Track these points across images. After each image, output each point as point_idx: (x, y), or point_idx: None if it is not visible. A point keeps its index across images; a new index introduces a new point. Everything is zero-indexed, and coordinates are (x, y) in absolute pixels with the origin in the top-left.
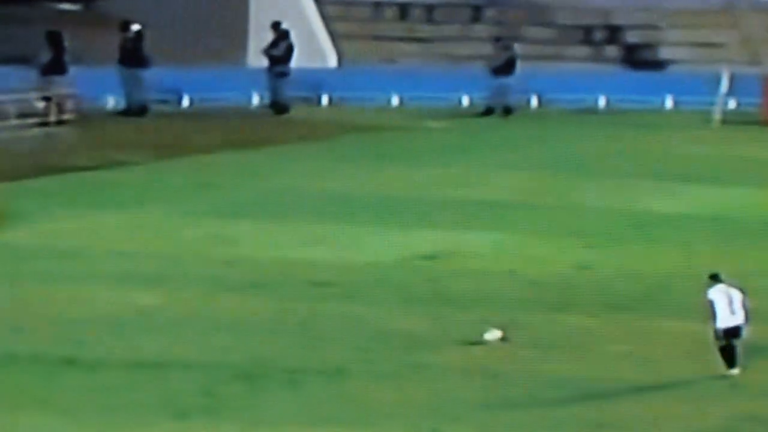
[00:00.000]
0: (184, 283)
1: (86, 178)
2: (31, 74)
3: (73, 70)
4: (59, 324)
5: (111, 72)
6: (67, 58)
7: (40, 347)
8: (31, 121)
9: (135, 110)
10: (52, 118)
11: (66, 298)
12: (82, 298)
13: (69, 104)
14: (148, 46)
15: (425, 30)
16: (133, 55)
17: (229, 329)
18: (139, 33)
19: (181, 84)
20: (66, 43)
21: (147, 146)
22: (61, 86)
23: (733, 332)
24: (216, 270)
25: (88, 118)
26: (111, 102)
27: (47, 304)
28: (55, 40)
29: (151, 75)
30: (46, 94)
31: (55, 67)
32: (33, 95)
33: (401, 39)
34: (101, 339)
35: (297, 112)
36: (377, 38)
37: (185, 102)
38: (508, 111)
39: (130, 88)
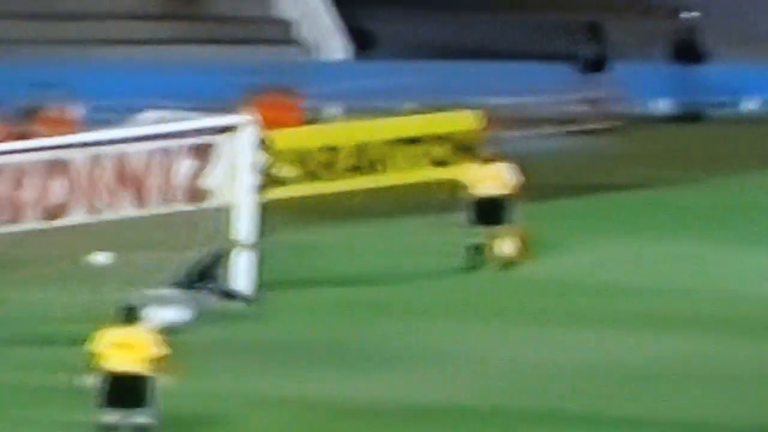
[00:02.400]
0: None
1: (627, 198)
2: (567, 73)
3: (616, 67)
4: (574, 375)
5: (660, 69)
6: (609, 53)
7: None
8: (566, 128)
9: (688, 115)
10: (592, 125)
11: (584, 340)
12: (594, 342)
13: (611, 108)
14: (704, 38)
15: None
16: (687, 49)
17: None
18: (693, 22)
19: (740, 83)
20: (608, 36)
21: (700, 160)
22: (602, 87)
23: None
24: None
25: (633, 124)
26: (661, 106)
27: (561, 349)
28: (596, 32)
29: (707, 72)
30: (586, 96)
31: (596, 65)
32: (569, 98)
33: None
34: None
35: None
36: None
37: (747, 105)
38: None
39: (684, 88)
